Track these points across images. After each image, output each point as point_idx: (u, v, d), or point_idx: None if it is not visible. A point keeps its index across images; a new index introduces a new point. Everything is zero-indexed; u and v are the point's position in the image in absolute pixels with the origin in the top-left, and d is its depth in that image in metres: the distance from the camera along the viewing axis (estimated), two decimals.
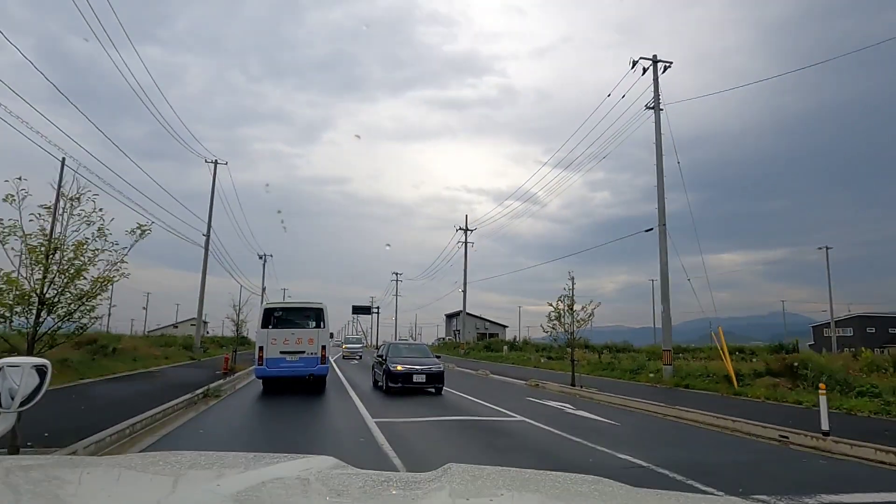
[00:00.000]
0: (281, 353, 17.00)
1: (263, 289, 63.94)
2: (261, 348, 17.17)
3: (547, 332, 19.77)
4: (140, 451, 7.05)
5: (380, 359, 17.66)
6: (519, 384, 22.06)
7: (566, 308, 19.62)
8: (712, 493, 5.35)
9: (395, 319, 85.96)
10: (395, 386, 15.94)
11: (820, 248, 56.14)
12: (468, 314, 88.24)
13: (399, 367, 16.05)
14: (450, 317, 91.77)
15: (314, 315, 17.98)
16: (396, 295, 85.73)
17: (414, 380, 15.94)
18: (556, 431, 10.34)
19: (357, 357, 37.36)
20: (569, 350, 20.97)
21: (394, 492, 1.49)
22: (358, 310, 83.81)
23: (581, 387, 19.17)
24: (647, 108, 23.62)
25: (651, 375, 22.47)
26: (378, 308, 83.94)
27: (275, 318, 17.62)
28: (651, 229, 23.25)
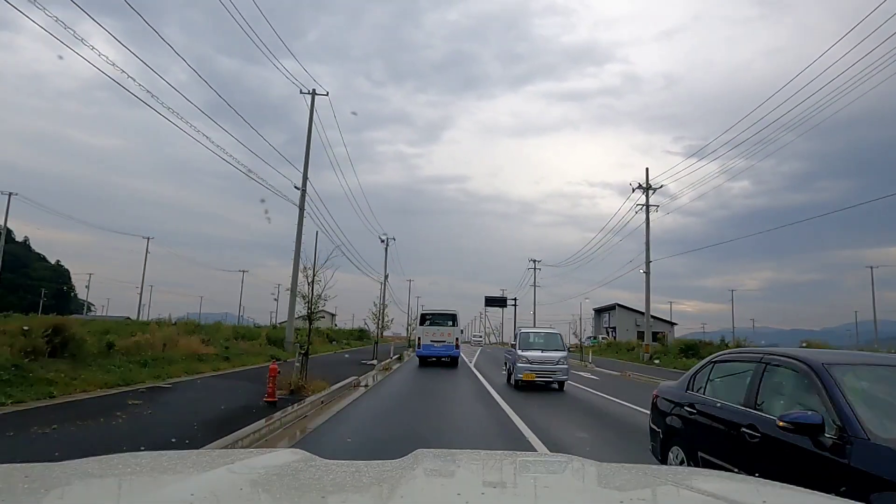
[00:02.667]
0: (431, 341, 26.01)
1: (386, 276, 53.97)
2: (419, 338, 26.67)
3: None
4: None
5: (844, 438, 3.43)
6: None
7: None
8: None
9: (534, 313, 71.65)
10: None
11: None
12: (624, 308, 71.75)
13: None
14: (600, 311, 75.69)
15: (451, 318, 27.19)
16: (535, 285, 71.55)
17: None
18: None
19: (551, 382, 15.28)
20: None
21: (365, 481, 1.41)
22: (491, 302, 71.09)
23: None
24: None
25: None
26: (515, 300, 70.37)
27: (427, 319, 27.08)
28: None
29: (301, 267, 14.59)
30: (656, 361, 33.06)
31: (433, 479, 1.58)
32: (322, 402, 11.27)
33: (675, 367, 30.46)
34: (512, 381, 16.12)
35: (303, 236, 26.85)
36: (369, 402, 12.51)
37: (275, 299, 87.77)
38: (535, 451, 9.07)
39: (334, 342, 36.84)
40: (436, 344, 25.66)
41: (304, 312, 14.24)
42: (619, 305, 69.66)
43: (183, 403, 10.31)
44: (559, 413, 11.81)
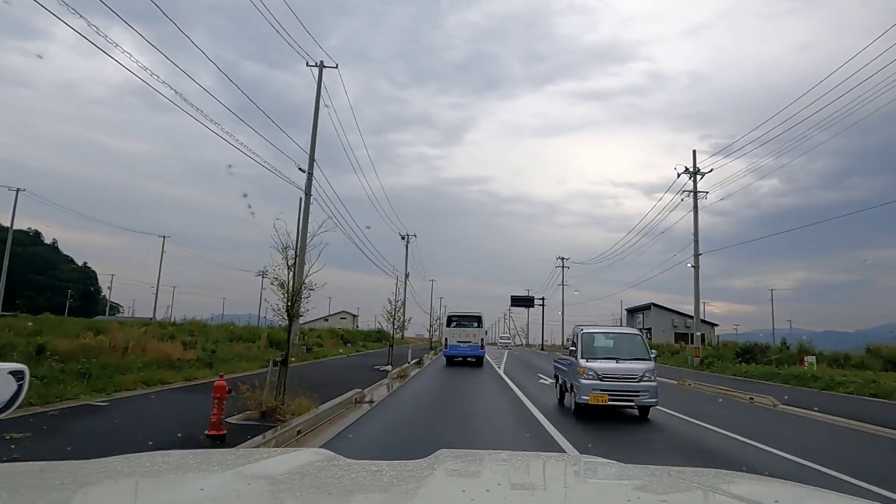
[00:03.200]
0: (458, 342, 26.70)
1: (407, 274, 51.21)
2: (446, 339, 27.36)
3: None
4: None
5: None
6: None
7: None
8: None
9: (563, 313, 67.44)
10: None
11: None
12: (660, 307, 66.90)
13: None
14: (633, 312, 71.00)
15: (476, 320, 28.13)
16: (563, 284, 67.30)
17: None
18: None
19: (630, 406, 10.59)
20: None
21: (385, 480, 1.38)
22: (518, 301, 67.30)
23: None
24: None
25: None
26: (543, 299, 66.34)
27: (453, 321, 28.19)
28: None
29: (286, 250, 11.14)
30: (709, 366, 28.95)
31: (455, 479, 1.56)
32: (299, 433, 7.89)
33: (733, 374, 26.36)
34: (569, 404, 11.38)
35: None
36: (369, 431, 9.07)
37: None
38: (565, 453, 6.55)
39: (349, 344, 33.64)
40: (462, 344, 26.62)
41: (304, 306, 11.01)
42: (654, 305, 64.90)
43: (91, 438, 7.03)
44: (643, 450, 8.18)
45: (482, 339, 27.24)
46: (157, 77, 12.43)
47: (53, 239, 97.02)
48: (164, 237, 62.06)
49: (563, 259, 67.53)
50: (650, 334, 64.62)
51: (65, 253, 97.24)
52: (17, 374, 1.51)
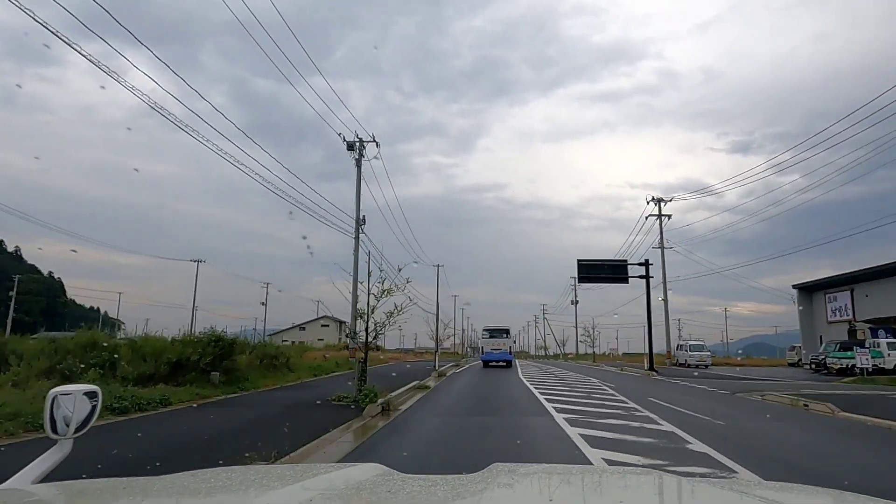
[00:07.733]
0: (491, 349, 34.37)
1: (361, 219, 39.81)
2: (482, 347, 38.03)
3: None
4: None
5: None
6: None
7: None
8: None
9: (665, 299, 38.22)
10: None
11: None
12: None
13: None
14: (808, 290, 38.72)
15: (505, 332, 36.08)
16: (662, 246, 37.68)
17: None
18: None
19: None
20: None
21: (440, 495, 1.38)
22: (591, 271, 32.88)
23: None
24: None
25: None
26: (647, 263, 32.69)
27: (487, 332, 36.36)
28: None
29: None
30: None
31: (510, 493, 1.53)
32: None
33: None
34: None
35: None
36: None
37: (262, 303, 70.90)
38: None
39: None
40: (495, 351, 33.85)
41: None
42: None
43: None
44: None
45: (510, 347, 35.17)
46: (173, 96, 8.52)
47: (16, 246, 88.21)
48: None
49: (659, 202, 36.91)
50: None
51: (30, 262, 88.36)
52: (91, 395, 1.58)
